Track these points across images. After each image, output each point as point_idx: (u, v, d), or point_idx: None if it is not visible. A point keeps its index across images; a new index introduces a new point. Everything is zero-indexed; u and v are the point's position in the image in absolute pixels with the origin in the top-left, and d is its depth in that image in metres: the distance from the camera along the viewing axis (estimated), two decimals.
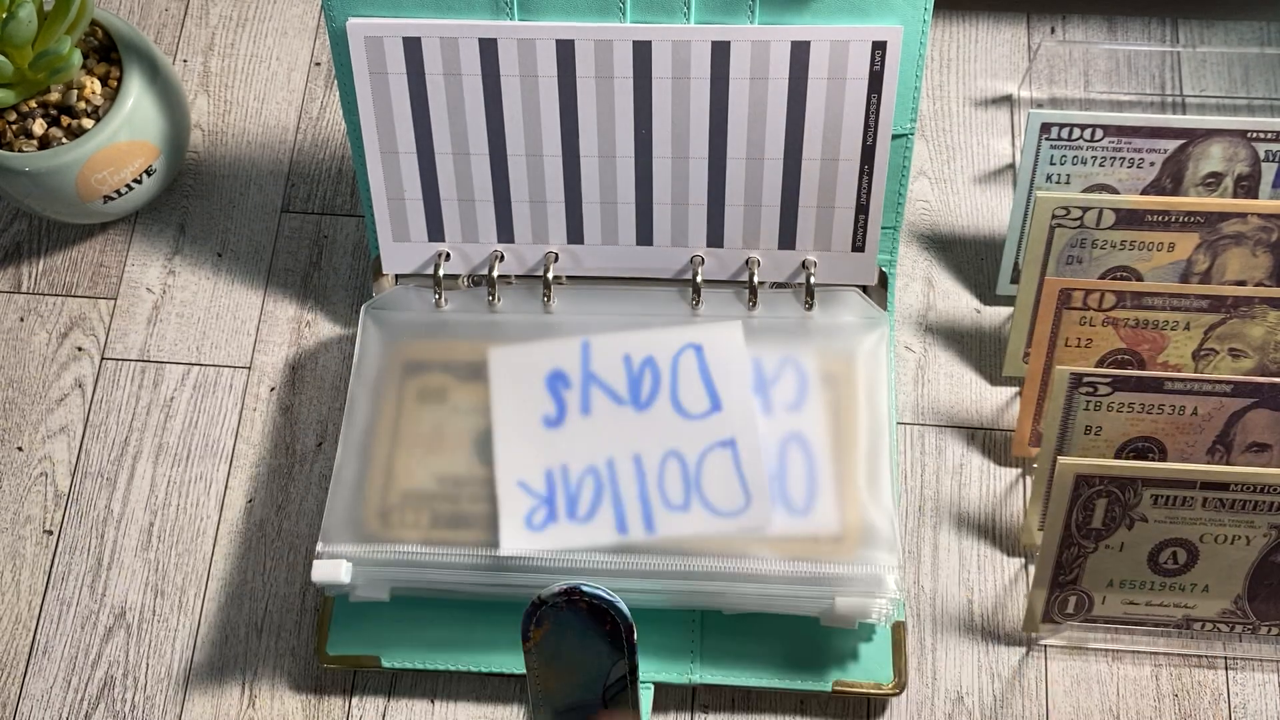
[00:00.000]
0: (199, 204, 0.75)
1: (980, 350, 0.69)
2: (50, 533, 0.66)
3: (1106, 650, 0.62)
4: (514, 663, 0.61)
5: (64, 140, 0.66)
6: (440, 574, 0.59)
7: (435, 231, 0.66)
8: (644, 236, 0.65)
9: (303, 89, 0.77)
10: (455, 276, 0.67)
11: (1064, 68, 0.76)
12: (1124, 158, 0.65)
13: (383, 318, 0.65)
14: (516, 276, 0.67)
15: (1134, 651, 0.62)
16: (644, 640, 0.59)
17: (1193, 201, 0.62)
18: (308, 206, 0.74)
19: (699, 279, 0.65)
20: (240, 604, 0.64)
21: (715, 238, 0.65)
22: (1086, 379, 0.58)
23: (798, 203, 0.64)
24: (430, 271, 0.67)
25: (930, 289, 0.71)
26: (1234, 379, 0.58)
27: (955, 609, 0.63)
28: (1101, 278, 0.64)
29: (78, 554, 0.66)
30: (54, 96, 0.67)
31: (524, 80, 0.61)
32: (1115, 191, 0.66)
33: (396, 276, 0.68)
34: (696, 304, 0.65)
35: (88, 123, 0.67)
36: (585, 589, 0.53)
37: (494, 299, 0.66)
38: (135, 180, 0.69)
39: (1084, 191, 0.66)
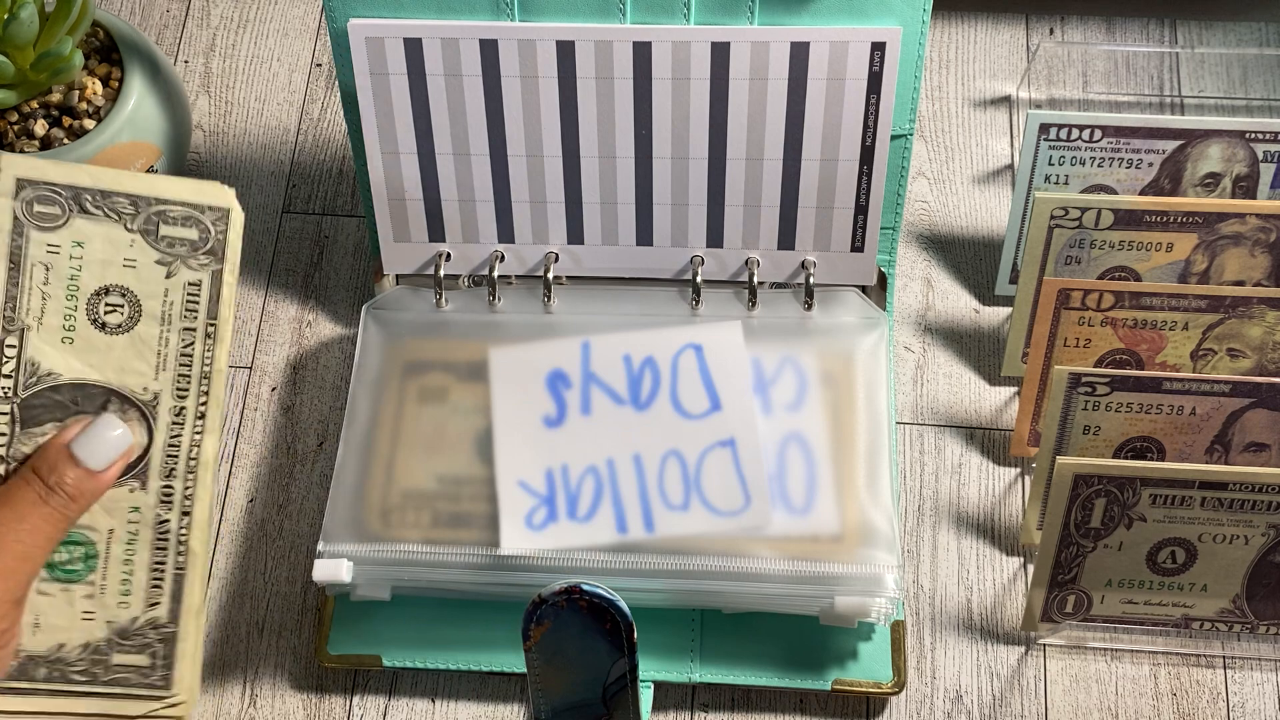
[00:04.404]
0: None
1: (979, 350, 0.69)
2: None
3: (1105, 649, 0.62)
4: (514, 662, 0.61)
5: (66, 141, 0.66)
6: (441, 573, 0.59)
7: (436, 232, 0.66)
8: (644, 237, 0.65)
9: (304, 90, 0.78)
10: (456, 277, 0.67)
11: (1062, 68, 0.76)
12: (1122, 158, 0.65)
13: (383, 318, 0.66)
14: (517, 277, 0.67)
15: (1133, 651, 0.62)
16: (644, 639, 0.59)
17: (1191, 202, 0.62)
18: (309, 207, 0.74)
19: (699, 279, 0.65)
20: (241, 603, 0.65)
21: (715, 238, 0.65)
22: (1085, 379, 0.59)
23: (797, 203, 0.64)
24: (431, 272, 0.67)
25: (929, 289, 0.71)
26: (1232, 379, 0.58)
27: (954, 608, 0.63)
28: (1100, 278, 0.64)
29: None
30: (55, 97, 0.67)
31: (524, 81, 0.61)
32: (1114, 192, 0.66)
33: (397, 276, 0.68)
34: (696, 304, 0.65)
35: (89, 123, 0.67)
36: (585, 588, 0.53)
37: (494, 299, 0.66)
38: None
39: (1082, 192, 0.66)
